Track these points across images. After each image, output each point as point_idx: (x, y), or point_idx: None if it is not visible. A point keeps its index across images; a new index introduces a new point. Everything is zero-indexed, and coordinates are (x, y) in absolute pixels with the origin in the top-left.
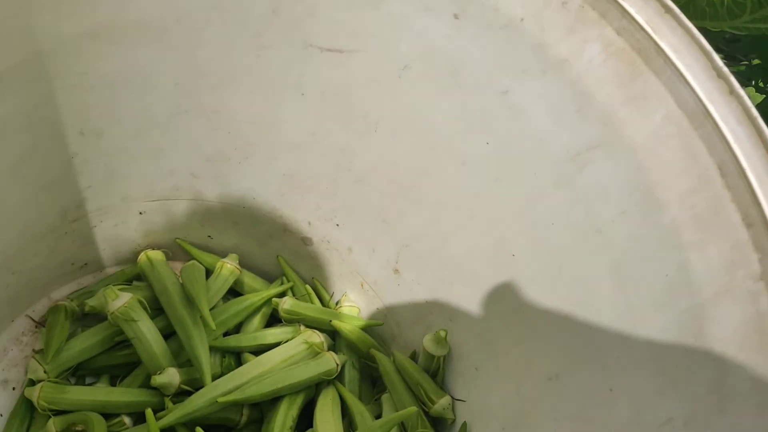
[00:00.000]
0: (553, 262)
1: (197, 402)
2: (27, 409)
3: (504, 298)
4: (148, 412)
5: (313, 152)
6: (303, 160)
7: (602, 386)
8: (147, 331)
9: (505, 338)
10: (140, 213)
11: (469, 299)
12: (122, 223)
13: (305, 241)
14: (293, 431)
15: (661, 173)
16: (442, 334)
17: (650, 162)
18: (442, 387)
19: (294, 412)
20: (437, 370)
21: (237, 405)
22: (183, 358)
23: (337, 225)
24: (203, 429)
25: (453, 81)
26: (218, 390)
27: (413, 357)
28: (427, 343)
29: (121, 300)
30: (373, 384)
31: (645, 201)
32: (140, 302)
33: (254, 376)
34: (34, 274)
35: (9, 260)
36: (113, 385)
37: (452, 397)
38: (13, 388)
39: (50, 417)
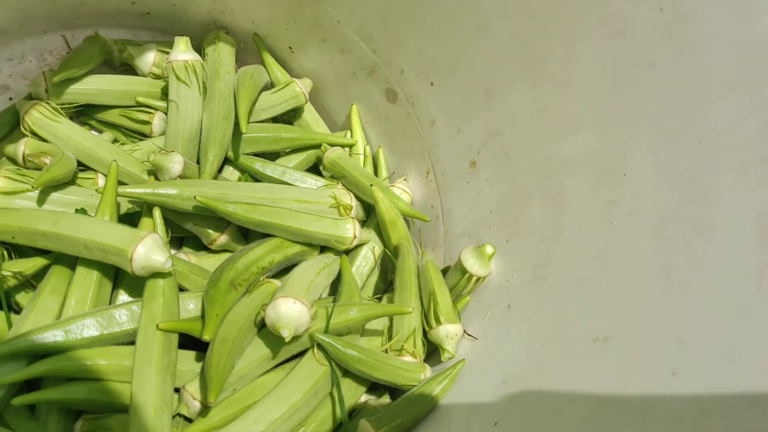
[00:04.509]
0: (675, 195)
1: (175, 188)
2: (10, 121)
3: (588, 229)
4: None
5: None
6: None
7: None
8: (183, 98)
9: (565, 279)
10: None
11: (545, 220)
12: None
13: (388, 95)
14: (262, 273)
15: None
16: (489, 250)
17: None
18: (458, 315)
19: (278, 257)
20: (463, 292)
21: (218, 219)
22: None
23: (431, 84)
24: (176, 239)
25: None
26: (204, 189)
27: (444, 272)
28: (466, 256)
29: (178, 55)
30: (384, 289)
31: None
32: (192, 69)
33: (253, 197)
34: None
35: None
36: None
37: (464, 330)
38: (11, 99)
39: (27, 137)
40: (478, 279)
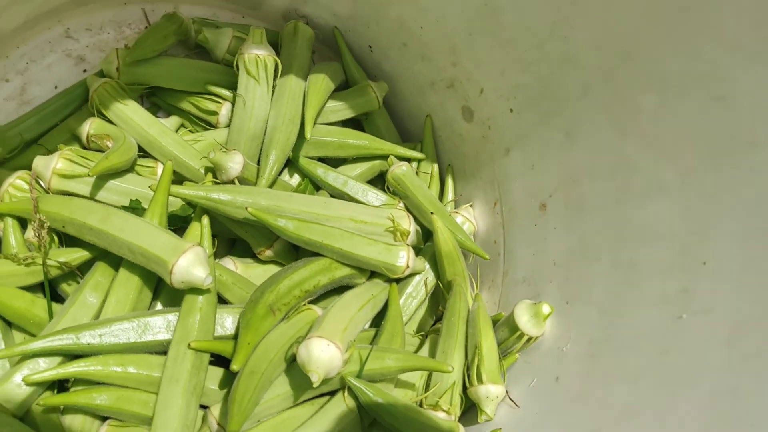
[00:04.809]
0: (759, 302)
1: (228, 195)
2: (80, 96)
3: (655, 316)
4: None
5: None
6: None
7: None
8: (251, 94)
9: (621, 367)
10: None
11: (610, 291)
12: None
13: (465, 114)
14: (304, 298)
15: None
16: (546, 310)
17: None
18: (503, 374)
19: (324, 280)
20: (512, 349)
21: (268, 231)
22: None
23: (511, 110)
24: (227, 239)
25: None
26: (258, 198)
27: (495, 322)
28: (520, 312)
29: (251, 49)
30: (432, 323)
31: None
32: (263, 65)
33: (308, 211)
34: None
35: None
36: None
37: (507, 394)
38: (85, 71)
39: (94, 117)
40: (530, 338)
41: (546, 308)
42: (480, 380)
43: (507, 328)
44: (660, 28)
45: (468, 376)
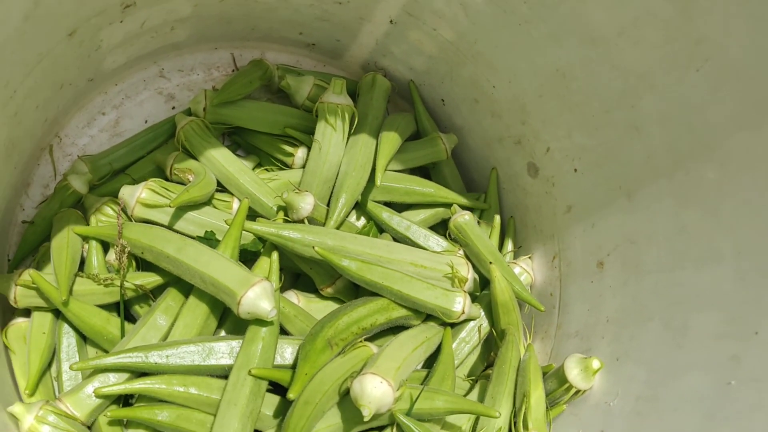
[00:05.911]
0: None
1: (298, 233)
2: (167, 131)
3: (704, 380)
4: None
5: (606, 60)
6: (590, 62)
7: None
8: (327, 140)
9: (666, 428)
10: (391, 22)
11: (659, 351)
12: (374, 26)
13: (530, 169)
14: (361, 335)
15: None
16: (596, 365)
17: None
18: (549, 424)
19: (381, 319)
20: (559, 400)
21: (332, 269)
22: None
23: (575, 170)
24: (292, 273)
25: None
26: (325, 238)
27: (545, 372)
28: (571, 365)
29: (331, 98)
30: (483, 368)
31: None
32: (341, 114)
33: (371, 253)
34: (269, 24)
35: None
36: None
37: None
38: (173, 108)
39: (178, 151)
40: (579, 391)
41: (596, 363)
42: (526, 428)
43: (556, 380)
44: (726, 104)
45: (514, 423)
